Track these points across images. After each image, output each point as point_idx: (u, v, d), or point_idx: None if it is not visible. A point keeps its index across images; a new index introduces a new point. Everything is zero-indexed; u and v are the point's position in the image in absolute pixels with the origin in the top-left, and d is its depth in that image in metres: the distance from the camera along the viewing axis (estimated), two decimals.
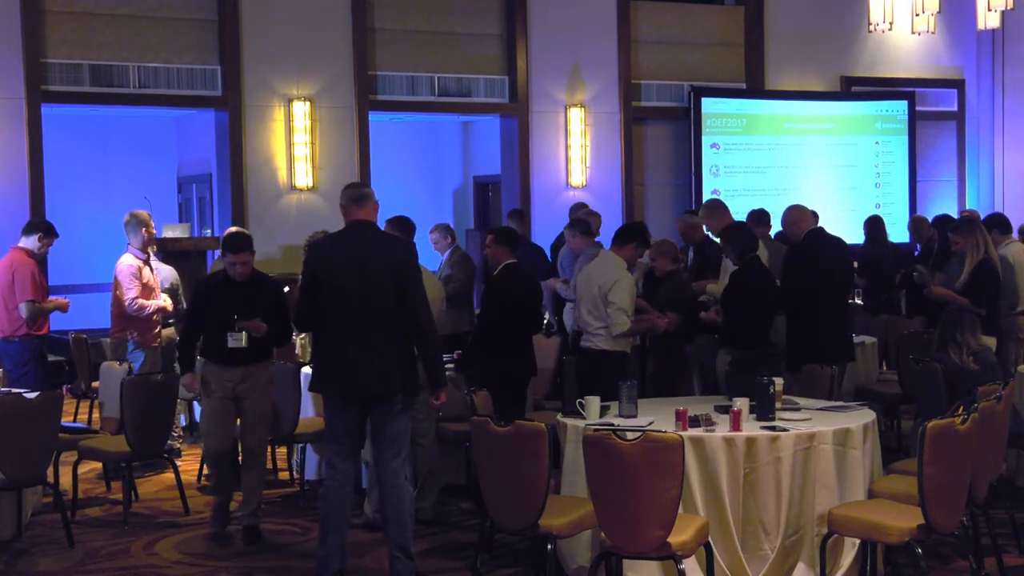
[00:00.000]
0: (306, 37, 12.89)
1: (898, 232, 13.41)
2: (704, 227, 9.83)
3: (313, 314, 6.08)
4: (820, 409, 6.49)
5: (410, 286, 5.97)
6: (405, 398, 6.03)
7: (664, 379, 8.60)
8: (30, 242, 9.06)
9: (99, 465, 8.55)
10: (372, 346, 5.92)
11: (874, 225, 11.86)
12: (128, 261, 9.02)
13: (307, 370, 7.58)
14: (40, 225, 9.25)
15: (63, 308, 9.25)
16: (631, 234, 7.88)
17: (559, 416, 6.40)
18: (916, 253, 12.07)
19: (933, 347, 7.51)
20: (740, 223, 8.91)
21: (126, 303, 8.91)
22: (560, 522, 5.59)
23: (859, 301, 10.90)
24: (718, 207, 9.64)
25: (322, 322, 6.06)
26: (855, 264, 10.10)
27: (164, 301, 9.19)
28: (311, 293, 6.07)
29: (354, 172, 12.89)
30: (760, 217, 10.25)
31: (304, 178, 12.85)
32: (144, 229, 9.09)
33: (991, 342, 7.81)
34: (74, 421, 10.25)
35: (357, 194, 6.14)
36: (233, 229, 8.75)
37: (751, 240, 8.16)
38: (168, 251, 11.18)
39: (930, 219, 11.87)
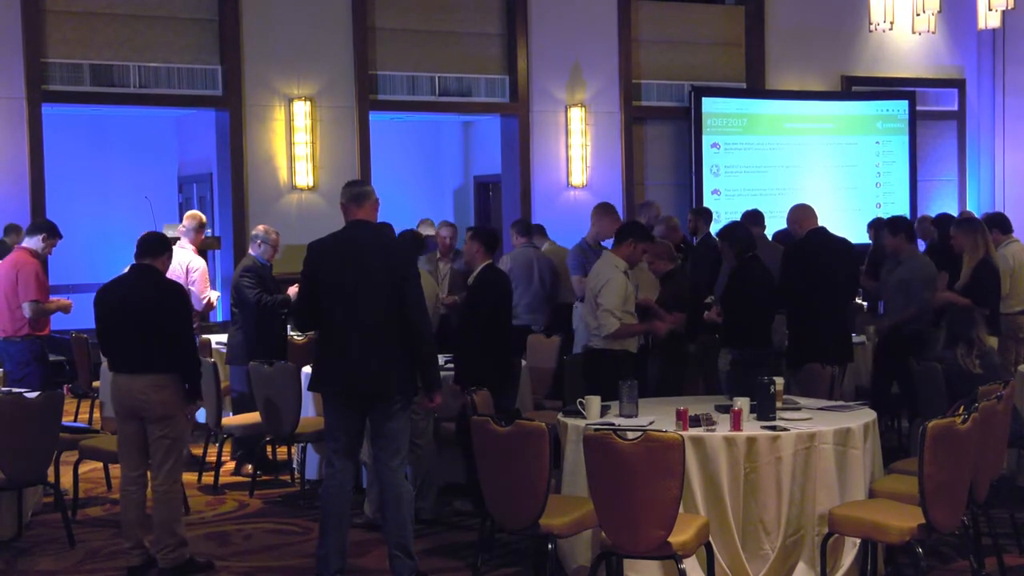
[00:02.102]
0: (306, 37, 12.88)
1: None
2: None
3: (313, 314, 6.09)
4: (821, 409, 6.48)
5: (408, 287, 5.96)
6: (403, 398, 6.02)
7: (669, 380, 8.59)
8: (34, 242, 9.05)
9: (100, 464, 8.55)
10: (371, 345, 5.92)
11: (880, 226, 11.84)
12: (200, 262, 9.35)
13: (307, 370, 7.58)
14: (44, 226, 9.24)
15: (66, 309, 9.26)
16: (625, 233, 7.80)
17: (560, 416, 6.39)
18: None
19: (938, 346, 7.50)
20: (737, 223, 8.90)
21: (204, 300, 9.25)
22: (560, 522, 5.59)
23: (861, 301, 10.90)
24: (609, 211, 9.63)
25: (321, 321, 6.07)
26: (862, 265, 10.07)
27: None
28: (310, 293, 6.07)
29: (354, 172, 12.88)
30: (755, 217, 10.24)
31: (304, 178, 12.85)
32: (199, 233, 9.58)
33: (992, 342, 7.82)
34: (75, 421, 10.25)
35: (357, 192, 6.13)
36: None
37: (749, 240, 8.15)
38: None
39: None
